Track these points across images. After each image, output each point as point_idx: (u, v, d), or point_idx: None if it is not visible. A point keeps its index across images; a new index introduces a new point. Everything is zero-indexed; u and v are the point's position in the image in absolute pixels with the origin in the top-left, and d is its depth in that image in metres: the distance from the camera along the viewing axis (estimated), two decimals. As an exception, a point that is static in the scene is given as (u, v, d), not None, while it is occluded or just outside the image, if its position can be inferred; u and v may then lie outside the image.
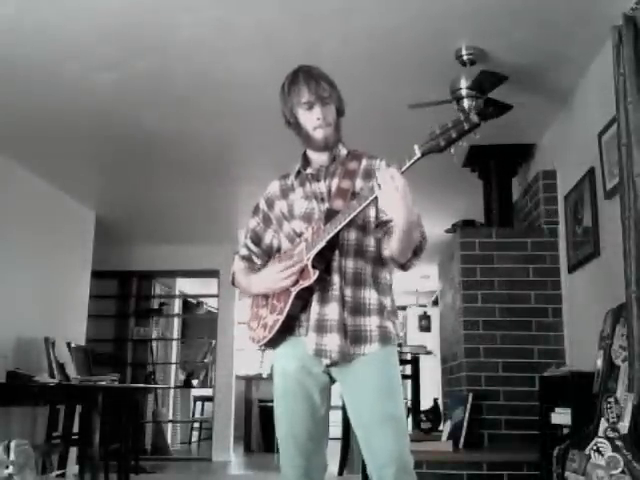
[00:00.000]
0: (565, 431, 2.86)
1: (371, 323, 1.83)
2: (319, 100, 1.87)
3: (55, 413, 4.82)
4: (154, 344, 7.72)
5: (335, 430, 3.49)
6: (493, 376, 3.87)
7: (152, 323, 7.68)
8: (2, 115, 3.93)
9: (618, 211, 2.48)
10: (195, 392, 8.64)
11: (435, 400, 4.58)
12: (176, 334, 8.46)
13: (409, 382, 5.28)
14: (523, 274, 3.97)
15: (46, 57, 3.27)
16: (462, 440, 3.71)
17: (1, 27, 3.00)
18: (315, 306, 1.81)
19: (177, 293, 8.37)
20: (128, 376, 7.08)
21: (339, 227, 1.76)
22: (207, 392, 8.07)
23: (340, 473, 5.15)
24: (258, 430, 7.50)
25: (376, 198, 1.69)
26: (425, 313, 9.15)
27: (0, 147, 4.42)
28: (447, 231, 4.58)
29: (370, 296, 1.85)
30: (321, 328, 1.79)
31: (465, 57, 3.20)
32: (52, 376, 4.38)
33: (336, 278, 1.82)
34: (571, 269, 3.70)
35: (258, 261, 2.04)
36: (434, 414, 4.43)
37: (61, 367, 4.56)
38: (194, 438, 8.54)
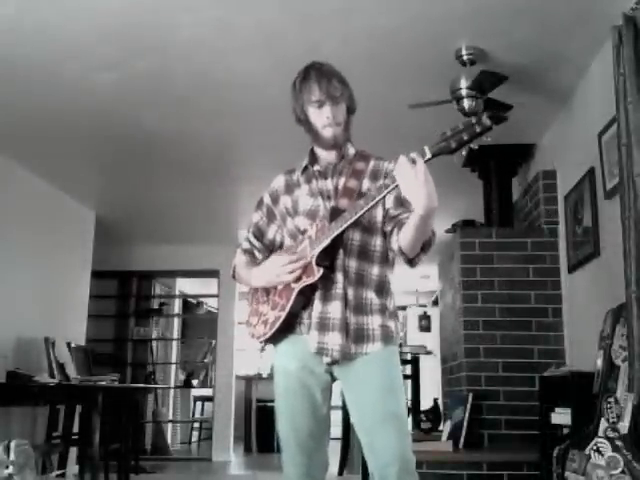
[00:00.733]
0: (565, 431, 2.86)
1: (373, 322, 1.83)
2: (330, 99, 1.87)
3: (55, 413, 4.82)
4: (154, 344, 7.72)
5: (335, 430, 3.48)
6: (493, 376, 3.87)
7: (152, 323, 7.68)
8: (2, 115, 3.93)
9: (618, 211, 2.48)
10: (195, 392, 8.64)
11: (435, 400, 4.58)
12: (176, 334, 8.46)
13: (409, 382, 5.28)
14: (523, 274, 3.97)
15: (46, 57, 3.27)
16: (462, 440, 3.71)
17: (1, 27, 3.00)
18: (317, 304, 1.80)
19: (177, 293, 8.37)
20: (128, 376, 7.08)
21: (346, 224, 1.75)
22: (207, 392, 8.08)
23: (340, 473, 5.15)
24: (262, 429, 7.49)
25: (392, 188, 1.67)
26: (425, 313, 9.15)
27: (0, 147, 4.42)
28: (447, 231, 4.57)
29: (372, 297, 1.85)
30: (323, 326, 1.78)
31: (465, 57, 3.20)
32: (52, 376, 4.38)
33: (339, 276, 1.81)
34: (571, 269, 3.70)
35: (260, 255, 2.03)
36: (434, 414, 4.43)
37: (61, 367, 4.56)
38: (194, 438, 8.54)
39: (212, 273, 7.05)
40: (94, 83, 3.53)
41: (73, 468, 5.15)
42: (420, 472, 1.80)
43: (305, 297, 1.81)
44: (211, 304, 8.55)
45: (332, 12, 2.91)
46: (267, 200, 2.04)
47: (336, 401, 1.95)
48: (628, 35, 2.43)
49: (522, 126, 4.01)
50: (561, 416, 2.85)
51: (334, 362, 1.80)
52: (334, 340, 1.77)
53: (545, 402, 3.13)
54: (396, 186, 1.66)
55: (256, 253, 2.04)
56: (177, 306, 8.48)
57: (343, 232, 1.78)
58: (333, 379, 1.87)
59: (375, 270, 1.88)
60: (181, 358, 8.56)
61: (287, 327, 1.84)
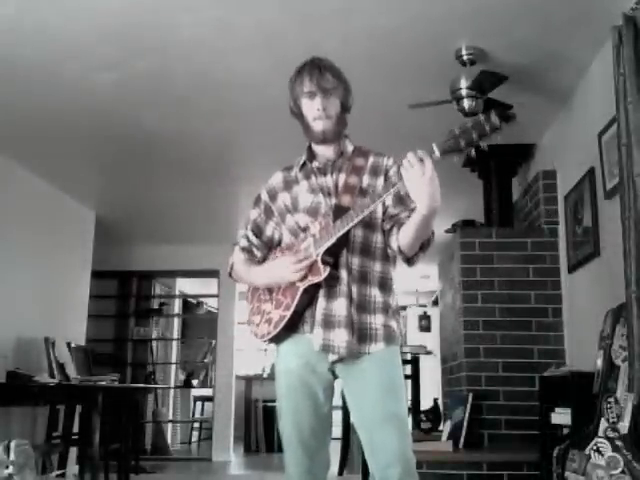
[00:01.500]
0: (565, 431, 2.86)
1: (376, 321, 1.83)
2: (321, 91, 1.87)
3: (55, 413, 4.81)
4: (154, 344, 7.72)
5: (335, 430, 3.48)
6: (493, 376, 3.87)
7: (152, 323, 7.68)
8: (2, 115, 3.93)
9: (618, 211, 2.48)
10: (195, 392, 8.64)
11: (435, 400, 4.58)
12: (176, 334, 8.46)
13: (409, 382, 5.28)
14: (523, 274, 3.97)
15: (46, 57, 3.27)
16: (462, 440, 3.71)
17: (1, 27, 3.00)
18: (322, 302, 1.80)
19: (177, 293, 8.37)
20: (128, 376, 7.08)
21: (353, 223, 1.74)
22: (207, 392, 8.08)
23: (340, 473, 5.15)
24: (261, 429, 7.49)
25: (397, 186, 1.67)
26: (425, 313, 9.15)
27: (0, 147, 4.42)
28: (447, 231, 4.57)
29: (375, 294, 1.85)
30: (328, 324, 1.77)
31: (465, 57, 3.20)
32: (52, 376, 4.38)
33: (344, 274, 1.81)
34: (571, 269, 3.70)
35: (258, 253, 2.02)
36: (434, 414, 4.43)
37: (61, 367, 4.56)
38: (194, 438, 8.54)
39: (212, 273, 7.05)
40: (94, 83, 3.53)
41: (73, 468, 5.15)
42: (420, 472, 1.80)
43: (309, 295, 1.81)
44: (211, 304, 8.55)
45: (332, 12, 2.91)
46: (265, 197, 2.02)
47: (336, 401, 1.95)
48: (628, 35, 2.43)
49: (522, 126, 4.00)
50: (561, 416, 2.85)
51: (340, 359, 1.79)
52: (340, 337, 1.76)
53: (545, 402, 3.13)
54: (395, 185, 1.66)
55: (254, 251, 2.02)
56: (177, 306, 8.48)
57: (348, 230, 1.78)
58: (335, 378, 1.87)
59: (378, 267, 1.88)
60: (181, 358, 8.56)
61: (291, 326, 1.84)
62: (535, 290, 3.94)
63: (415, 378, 5.30)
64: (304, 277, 1.79)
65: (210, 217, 6.09)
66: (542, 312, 3.91)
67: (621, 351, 2.43)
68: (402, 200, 1.83)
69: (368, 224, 1.86)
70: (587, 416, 2.48)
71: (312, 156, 1.96)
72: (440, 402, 4.67)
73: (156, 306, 7.82)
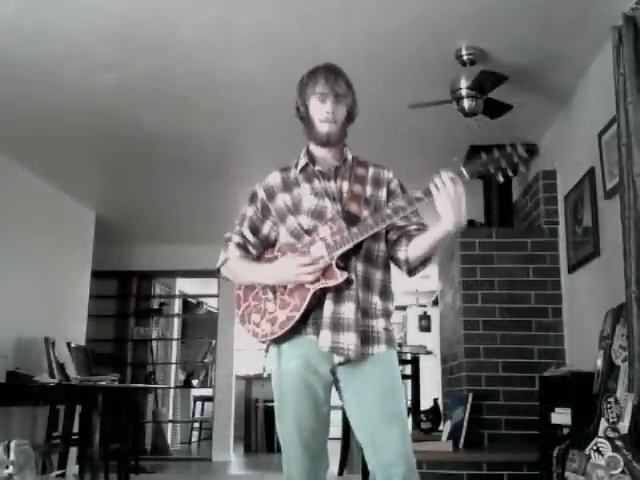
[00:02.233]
0: (565, 431, 2.86)
1: (378, 325, 1.86)
2: (333, 94, 1.89)
3: (55, 413, 4.81)
4: (154, 344, 7.72)
5: (335, 430, 3.48)
6: (493, 376, 3.87)
7: (152, 323, 7.67)
8: (2, 115, 3.93)
9: (618, 211, 2.48)
10: (195, 392, 8.64)
11: (435, 400, 4.58)
12: (176, 334, 8.46)
13: (409, 382, 5.28)
14: (523, 274, 3.97)
15: (46, 57, 3.27)
16: (462, 440, 3.71)
17: (1, 27, 3.00)
18: (329, 304, 1.80)
19: (177, 293, 8.36)
20: (128, 376, 7.07)
21: (372, 231, 1.78)
22: (207, 392, 8.08)
23: (340, 473, 5.15)
24: (262, 429, 7.49)
25: (421, 200, 1.75)
26: (425, 313, 9.14)
27: (0, 147, 4.42)
28: (447, 231, 4.57)
29: (377, 301, 1.88)
30: (337, 326, 1.78)
31: (465, 57, 3.20)
32: (52, 376, 4.38)
33: (352, 278, 1.82)
34: (571, 269, 3.70)
35: (253, 251, 2.00)
36: (434, 414, 4.43)
37: (61, 367, 4.56)
38: (194, 438, 8.54)
39: (212, 273, 6.94)
40: (94, 83, 3.53)
41: (73, 468, 5.14)
42: (420, 472, 1.81)
43: (317, 298, 1.82)
44: (211, 304, 8.55)
45: (332, 12, 2.91)
46: (262, 195, 2.00)
47: (336, 401, 1.95)
48: (628, 35, 2.43)
49: (522, 126, 4.01)
50: (561, 416, 2.85)
51: (346, 361, 1.80)
52: (350, 340, 1.77)
53: (545, 402, 3.13)
54: (428, 199, 1.72)
55: (249, 248, 2.00)
56: (177, 306, 8.47)
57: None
58: (334, 379, 1.87)
59: (379, 274, 1.90)
60: (181, 358, 8.56)
61: (297, 327, 1.84)
62: (535, 290, 3.94)
63: (415, 378, 5.30)
64: (316, 280, 1.80)
65: (210, 217, 6.08)
66: (542, 312, 3.91)
67: (621, 351, 2.43)
68: (406, 216, 1.87)
69: (378, 234, 1.88)
70: (587, 416, 2.48)
71: (313, 159, 1.97)
72: (440, 402, 4.67)
73: (156, 306, 7.82)
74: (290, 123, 2.02)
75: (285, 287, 1.86)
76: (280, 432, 1.89)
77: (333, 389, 1.90)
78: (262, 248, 2.01)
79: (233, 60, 3.32)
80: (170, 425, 7.86)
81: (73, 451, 5.12)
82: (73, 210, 5.66)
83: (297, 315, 1.81)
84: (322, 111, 1.89)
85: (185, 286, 8.54)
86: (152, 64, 3.35)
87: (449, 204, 1.68)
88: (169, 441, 7.46)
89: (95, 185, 5.47)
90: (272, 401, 1.93)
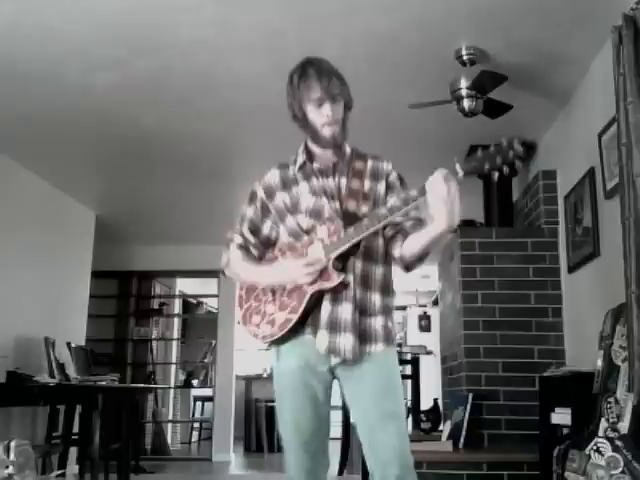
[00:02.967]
0: (565, 431, 2.86)
1: (377, 323, 1.84)
2: (330, 97, 1.85)
3: (55, 413, 4.81)
4: (154, 344, 7.72)
5: (335, 430, 3.48)
6: (493, 376, 3.87)
7: (152, 323, 7.67)
8: (2, 115, 3.93)
9: (618, 211, 2.48)
10: (195, 392, 8.63)
11: (435, 400, 4.58)
12: (176, 334, 8.47)
13: (409, 382, 5.28)
14: (523, 274, 3.97)
15: (46, 57, 3.27)
16: (462, 440, 3.71)
17: (1, 27, 3.00)
18: (327, 305, 1.79)
19: (177, 293, 8.36)
20: (128, 376, 7.07)
21: (368, 231, 1.76)
22: (207, 392, 8.07)
23: (340, 473, 5.15)
24: (263, 429, 7.49)
25: (416, 201, 1.71)
26: (425, 313, 9.14)
27: (0, 147, 4.42)
28: (447, 231, 4.57)
29: (376, 298, 1.86)
30: (334, 327, 1.78)
31: (465, 57, 3.20)
32: (52, 376, 4.37)
33: (350, 278, 1.81)
34: (571, 269, 3.70)
35: (255, 251, 1.99)
36: (434, 414, 4.43)
37: (61, 367, 4.56)
38: (194, 438, 8.54)
39: (212, 273, 7.03)
40: (94, 83, 3.53)
41: (73, 468, 5.15)
42: (420, 472, 1.81)
43: (315, 299, 1.81)
44: (211, 304, 8.55)
45: (332, 12, 2.91)
46: (261, 194, 1.98)
47: (336, 401, 1.95)
48: (628, 35, 2.43)
49: (522, 126, 4.01)
50: (561, 416, 2.85)
51: (343, 362, 1.79)
52: (347, 341, 1.76)
53: (545, 402, 3.13)
54: (424, 199, 1.68)
55: (251, 249, 1.99)
56: (177, 306, 8.48)
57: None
58: (334, 378, 1.87)
59: (379, 270, 1.88)
60: (181, 358, 8.56)
61: (296, 328, 1.83)
62: (535, 290, 3.94)
63: (415, 378, 5.30)
64: (314, 281, 1.79)
65: (210, 217, 6.08)
66: (542, 312, 3.91)
67: (621, 351, 2.43)
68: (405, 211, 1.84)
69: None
70: (587, 416, 2.48)
71: (311, 157, 1.95)
72: (440, 402, 4.67)
73: (156, 306, 7.82)
74: (290, 123, 2.01)
75: (284, 288, 1.86)
76: (280, 432, 1.90)
77: (335, 388, 1.89)
78: (263, 248, 2.00)
79: (233, 60, 3.32)
80: (170, 425, 7.87)
81: (73, 451, 5.12)
82: (73, 210, 5.66)
83: (295, 317, 1.81)
84: (322, 115, 1.86)
85: (185, 286, 8.54)
86: (152, 64, 3.35)
87: (442, 204, 1.63)
88: (169, 441, 7.46)
89: (95, 185, 5.47)
90: (272, 401, 1.93)
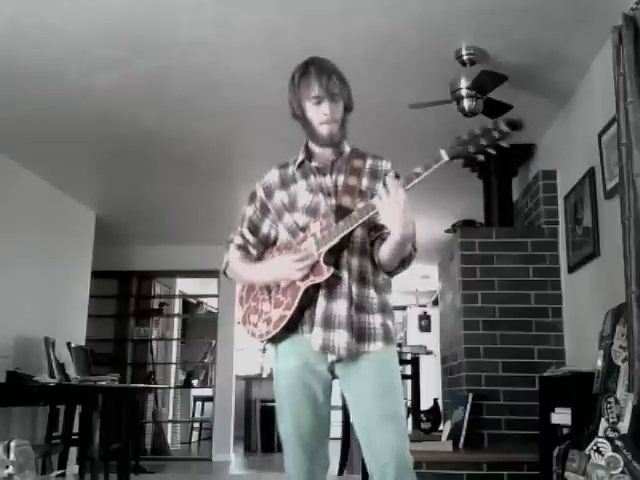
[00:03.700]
0: (565, 431, 2.86)
1: (375, 321, 1.83)
2: (329, 96, 1.86)
3: (55, 413, 4.82)
4: (154, 344, 7.72)
5: (335, 430, 3.48)
6: (493, 376, 3.87)
7: (152, 323, 7.68)
8: (2, 115, 3.93)
9: (618, 211, 2.48)
10: (195, 392, 8.64)
11: (435, 400, 4.58)
12: (176, 334, 8.47)
13: (409, 382, 5.28)
14: (523, 274, 3.97)
15: (46, 57, 3.27)
16: (462, 440, 3.71)
17: (1, 27, 3.00)
18: (322, 302, 1.79)
19: (177, 293, 8.37)
20: (128, 376, 7.08)
21: (356, 224, 1.75)
22: (207, 392, 8.07)
23: (340, 473, 5.15)
24: (263, 429, 7.50)
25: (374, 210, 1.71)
26: (425, 313, 9.14)
27: (0, 147, 4.42)
28: (447, 231, 4.57)
29: (374, 295, 1.85)
30: (328, 324, 1.77)
31: (465, 57, 3.20)
32: (52, 376, 4.37)
33: (344, 274, 1.81)
34: (571, 269, 3.70)
35: (254, 251, 2.00)
36: (434, 414, 4.43)
37: (61, 367, 4.56)
38: (194, 438, 8.54)
39: (212, 273, 7.04)
40: (94, 83, 3.53)
41: (73, 468, 5.15)
42: (420, 472, 1.81)
43: (310, 295, 1.80)
44: (211, 304, 8.55)
45: (332, 12, 2.91)
46: (261, 193, 2.00)
47: (336, 401, 1.95)
48: (628, 35, 2.43)
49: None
50: (561, 416, 2.85)
51: (339, 360, 1.79)
52: (340, 338, 1.76)
53: (545, 402, 3.13)
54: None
55: (250, 248, 2.00)
56: (177, 306, 8.48)
57: (351, 232, 1.78)
58: (334, 378, 1.87)
59: (374, 267, 1.88)
60: (181, 358, 8.56)
61: (291, 326, 1.83)
62: (535, 290, 3.94)
63: (415, 378, 5.30)
64: (306, 277, 1.79)
65: (210, 217, 6.09)
66: (542, 312, 3.91)
67: (621, 351, 2.43)
68: None
69: (368, 225, 1.86)
70: (587, 416, 2.48)
71: (310, 155, 1.95)
72: (440, 402, 4.67)
73: (156, 306, 7.82)
74: (290, 123, 2.01)
75: (279, 286, 1.86)
76: (280, 432, 1.89)
77: (335, 388, 1.89)
78: (263, 247, 2.01)
79: (233, 60, 3.32)
80: (170, 425, 7.87)
81: (73, 451, 5.12)
82: (73, 210, 5.66)
83: (289, 313, 1.81)
84: (320, 114, 1.87)
85: (185, 286, 8.54)
86: (152, 64, 3.35)
87: (393, 215, 1.66)
88: (169, 441, 7.46)
89: (95, 185, 5.47)
90: (271, 401, 1.93)
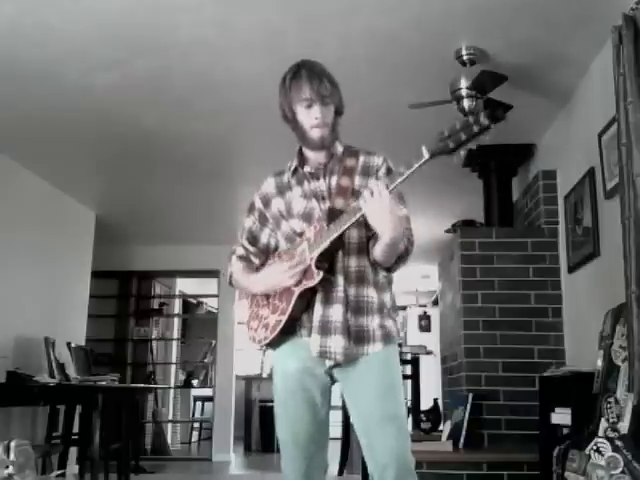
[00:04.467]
0: (565, 431, 2.86)
1: (373, 323, 1.82)
2: (319, 99, 1.85)
3: (55, 413, 4.81)
4: (154, 344, 7.73)
5: (335, 430, 3.48)
6: (493, 376, 3.87)
7: (152, 323, 7.68)
8: (2, 115, 3.93)
9: (618, 211, 2.48)
10: (195, 392, 8.64)
11: (435, 400, 4.58)
12: (176, 334, 8.47)
13: (409, 382, 5.27)
14: (523, 274, 3.97)
15: (46, 57, 3.27)
16: (462, 440, 3.71)
17: (1, 27, 3.00)
18: (318, 307, 1.79)
19: (177, 293, 8.37)
20: (128, 376, 7.08)
21: (345, 227, 1.75)
22: (207, 392, 8.08)
23: (340, 473, 5.15)
24: (258, 430, 7.50)
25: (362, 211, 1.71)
26: (425, 313, 9.14)
27: (0, 147, 4.42)
28: (447, 231, 4.57)
29: (372, 294, 1.84)
30: (325, 330, 1.77)
31: (465, 57, 3.20)
32: (52, 376, 4.37)
33: (340, 279, 1.80)
34: (571, 269, 3.70)
35: (256, 260, 2.01)
36: (434, 414, 4.43)
37: (61, 367, 4.56)
38: (194, 438, 8.54)
39: (212, 273, 7.05)
40: (94, 83, 3.53)
41: (73, 468, 5.15)
42: (420, 472, 1.80)
43: (305, 300, 1.80)
44: (211, 304, 8.55)
45: (332, 12, 2.91)
46: (258, 204, 2.01)
47: (336, 401, 1.95)
48: (628, 35, 2.43)
49: (522, 126, 4.01)
50: (561, 416, 2.85)
51: (336, 365, 1.79)
52: (337, 343, 1.75)
53: (545, 402, 3.13)
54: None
55: (252, 258, 2.01)
56: (177, 306, 8.48)
57: (342, 234, 1.77)
58: (333, 381, 1.87)
59: (372, 266, 1.87)
60: (181, 358, 8.56)
61: (288, 330, 1.83)
62: (535, 290, 3.94)
63: (415, 378, 5.30)
64: (299, 282, 1.79)
65: (210, 217, 6.09)
66: (542, 312, 3.91)
67: (621, 351, 2.43)
68: None
69: (362, 223, 1.84)
70: (587, 416, 2.48)
71: (303, 161, 1.95)
72: (440, 402, 4.67)
73: (156, 306, 7.82)
74: (290, 123, 2.01)
75: (276, 292, 1.87)
76: (277, 434, 1.89)
77: (335, 387, 1.89)
78: (264, 256, 2.02)
79: (233, 60, 3.32)
80: (170, 425, 7.87)
81: (73, 451, 5.12)
82: (73, 210, 5.66)
83: (284, 318, 1.81)
84: (311, 117, 1.86)
85: (185, 286, 8.54)
86: (152, 64, 3.35)
87: (379, 218, 1.66)
88: (169, 441, 7.46)
89: (95, 185, 5.47)
90: (271, 401, 1.93)
